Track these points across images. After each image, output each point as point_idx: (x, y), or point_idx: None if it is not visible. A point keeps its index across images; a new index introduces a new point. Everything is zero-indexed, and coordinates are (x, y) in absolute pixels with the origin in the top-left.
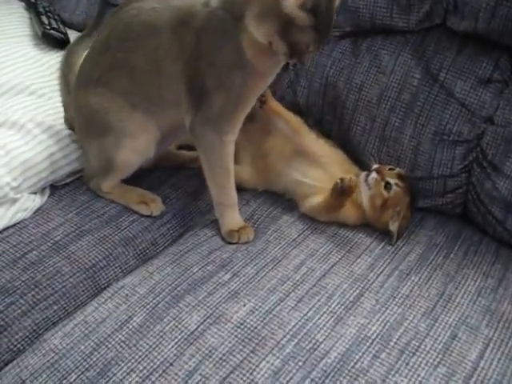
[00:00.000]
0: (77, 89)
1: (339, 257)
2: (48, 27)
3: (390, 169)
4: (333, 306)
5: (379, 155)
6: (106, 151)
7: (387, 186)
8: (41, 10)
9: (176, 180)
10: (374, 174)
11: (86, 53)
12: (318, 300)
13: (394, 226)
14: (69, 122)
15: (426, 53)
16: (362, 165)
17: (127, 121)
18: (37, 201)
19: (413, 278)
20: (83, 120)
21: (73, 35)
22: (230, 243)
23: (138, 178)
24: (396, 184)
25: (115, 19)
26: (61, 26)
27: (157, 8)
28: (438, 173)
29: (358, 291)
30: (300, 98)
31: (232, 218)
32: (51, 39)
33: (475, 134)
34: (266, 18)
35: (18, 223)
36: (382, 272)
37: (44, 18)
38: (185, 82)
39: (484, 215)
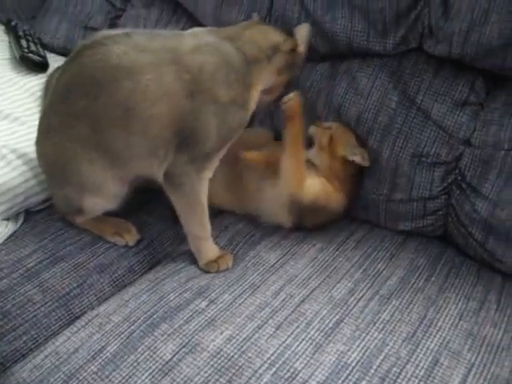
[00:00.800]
0: (38, 135)
1: (318, 282)
2: (26, 50)
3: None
4: (312, 332)
5: None
6: (70, 199)
7: (326, 128)
8: (20, 33)
9: (153, 205)
10: (311, 129)
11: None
12: (297, 327)
13: (355, 153)
14: None
15: (403, 76)
16: None
17: (87, 175)
18: (10, 227)
19: (394, 303)
20: (44, 167)
21: (53, 58)
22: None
23: None
24: (329, 127)
25: (76, 65)
26: (40, 49)
27: (129, 52)
28: (417, 195)
29: (337, 317)
30: (279, 121)
31: (209, 249)
32: (30, 62)
33: (453, 156)
34: (279, 68)
35: None
36: (362, 297)
37: (23, 42)
38: (169, 123)
39: (465, 237)
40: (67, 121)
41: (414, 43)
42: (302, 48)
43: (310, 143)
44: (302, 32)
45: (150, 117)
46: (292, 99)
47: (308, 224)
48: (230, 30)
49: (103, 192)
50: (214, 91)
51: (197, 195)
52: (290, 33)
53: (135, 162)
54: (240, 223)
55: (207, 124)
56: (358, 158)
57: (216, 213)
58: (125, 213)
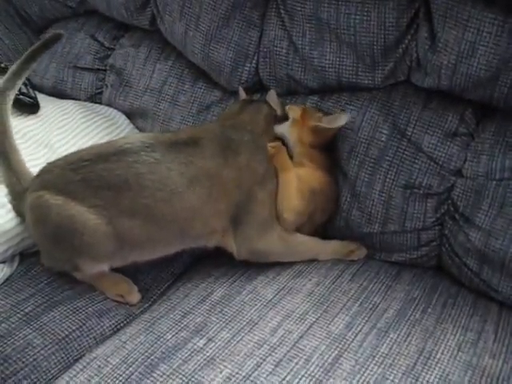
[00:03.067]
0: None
1: (316, 317)
2: (17, 92)
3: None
4: (311, 368)
5: (351, 210)
6: (70, 258)
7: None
8: None
9: None
10: (287, 107)
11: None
12: (296, 363)
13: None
14: (17, 208)
15: (393, 108)
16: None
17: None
18: (5, 270)
19: (391, 336)
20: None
21: (43, 99)
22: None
23: None
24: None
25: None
26: (30, 91)
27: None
28: (410, 226)
29: (336, 352)
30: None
31: (331, 247)
32: (20, 104)
33: (445, 187)
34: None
35: None
36: (360, 331)
37: None
38: (227, 213)
39: (459, 267)
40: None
41: (402, 76)
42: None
43: (285, 118)
44: (273, 97)
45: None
46: (275, 147)
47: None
48: (229, 119)
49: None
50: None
51: (286, 246)
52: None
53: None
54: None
55: (257, 202)
56: (325, 121)
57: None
58: None
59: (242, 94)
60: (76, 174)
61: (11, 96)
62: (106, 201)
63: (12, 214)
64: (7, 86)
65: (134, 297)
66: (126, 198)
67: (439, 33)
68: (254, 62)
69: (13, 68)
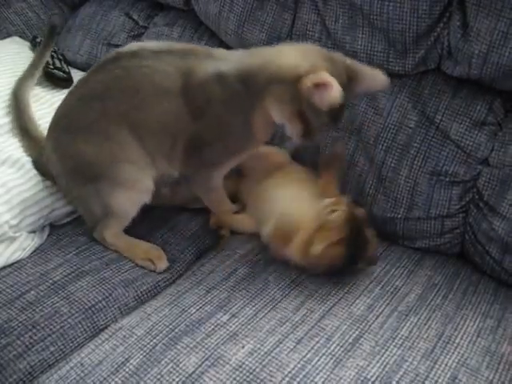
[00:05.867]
0: (58, 136)
1: (338, 298)
2: (51, 67)
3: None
4: (332, 347)
5: (376, 195)
6: (101, 197)
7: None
8: None
9: (175, 222)
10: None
11: (61, 97)
12: (317, 341)
13: (319, 246)
14: (39, 165)
15: (422, 96)
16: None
17: (122, 171)
18: (36, 240)
19: (412, 319)
20: (71, 168)
21: (76, 74)
22: None
23: (137, 222)
24: (343, 211)
25: (119, 69)
26: (64, 65)
27: (168, 70)
28: (435, 213)
29: (357, 332)
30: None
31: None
32: (54, 78)
33: (471, 175)
34: (287, 101)
35: (15, 263)
36: (381, 313)
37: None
38: (186, 138)
39: (482, 255)
40: (104, 121)
41: (433, 64)
42: (308, 82)
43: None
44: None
45: (175, 132)
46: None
47: None
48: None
49: (135, 188)
50: (221, 122)
51: (209, 186)
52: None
53: (163, 163)
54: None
55: (211, 143)
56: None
57: None
58: (148, 230)
59: None
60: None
61: (31, 85)
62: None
63: (41, 186)
64: (26, 75)
65: (163, 263)
66: (112, 106)
67: (472, 22)
68: None
69: (31, 61)
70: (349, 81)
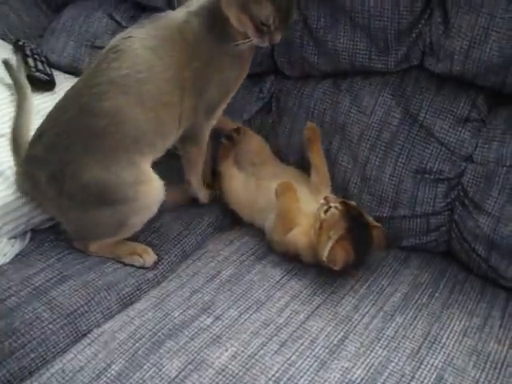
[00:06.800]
0: (49, 154)
1: (323, 298)
2: (34, 69)
3: (343, 201)
4: (316, 349)
5: (361, 194)
6: (118, 218)
7: (328, 209)
8: (28, 52)
9: (158, 225)
10: (321, 200)
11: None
12: (302, 343)
13: (323, 252)
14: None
15: (405, 93)
16: None
17: (143, 193)
18: (16, 246)
19: (398, 319)
20: (78, 192)
21: (59, 77)
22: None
23: None
24: (335, 207)
25: (112, 55)
26: (47, 68)
27: (153, 33)
28: (420, 211)
29: (342, 334)
30: (281, 139)
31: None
32: (37, 81)
33: (456, 173)
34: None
35: None
36: (366, 313)
37: (30, 61)
38: (191, 84)
39: (468, 253)
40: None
41: (415, 61)
42: None
43: None
44: None
45: (175, 86)
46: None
47: None
48: None
49: (151, 200)
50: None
51: (204, 139)
52: None
53: (172, 131)
54: (246, 237)
55: (209, 82)
56: (325, 254)
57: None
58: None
59: None
60: None
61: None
62: None
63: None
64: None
65: (151, 256)
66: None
67: (453, 18)
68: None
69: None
70: None
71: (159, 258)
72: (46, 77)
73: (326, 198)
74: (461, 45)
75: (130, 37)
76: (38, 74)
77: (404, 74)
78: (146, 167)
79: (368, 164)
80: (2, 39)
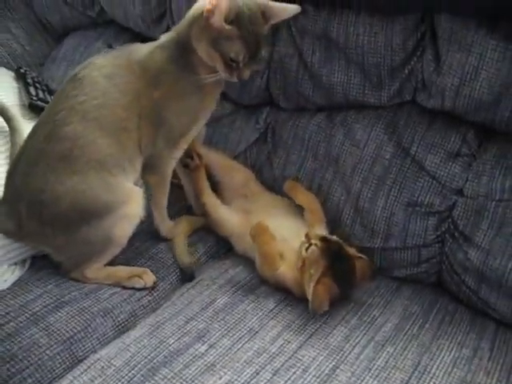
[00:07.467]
0: (44, 177)
1: (315, 328)
2: (35, 98)
3: (323, 237)
4: (308, 378)
5: (354, 226)
6: (102, 231)
7: (309, 247)
8: (29, 80)
9: (155, 251)
10: (301, 239)
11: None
12: (294, 372)
13: (308, 290)
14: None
15: (398, 127)
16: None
17: (118, 194)
18: (16, 272)
19: (388, 349)
20: (56, 215)
21: None
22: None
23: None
24: (315, 244)
25: (71, 83)
26: (47, 96)
27: (115, 62)
28: (412, 243)
29: (333, 363)
30: (276, 170)
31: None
32: (38, 110)
33: (446, 206)
34: (202, 35)
35: None
36: (357, 343)
37: (32, 89)
38: (150, 112)
39: (458, 284)
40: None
41: (407, 96)
42: (206, 9)
43: None
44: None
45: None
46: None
47: None
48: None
49: (134, 203)
50: (171, 85)
51: (168, 171)
52: None
53: (137, 157)
54: (240, 266)
55: (170, 111)
56: (309, 292)
57: (220, 255)
58: (128, 259)
59: None
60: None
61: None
62: None
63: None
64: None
65: (150, 276)
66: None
67: (444, 56)
68: (264, 77)
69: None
70: (263, 15)
71: (154, 285)
72: (46, 105)
73: (306, 235)
74: (452, 82)
75: (89, 64)
76: (39, 102)
77: (397, 108)
78: (120, 184)
79: (361, 196)
80: (5, 67)
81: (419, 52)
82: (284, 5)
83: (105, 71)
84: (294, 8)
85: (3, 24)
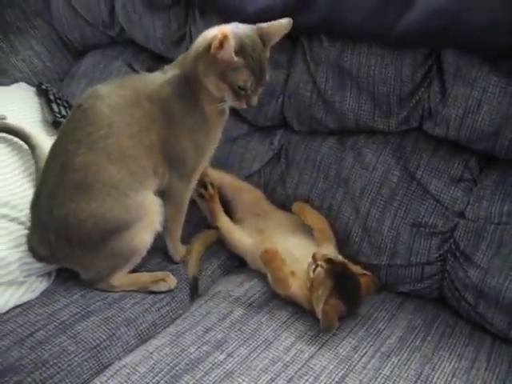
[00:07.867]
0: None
1: (326, 339)
2: (58, 115)
3: (328, 258)
4: None
5: (362, 244)
6: (125, 244)
7: (315, 268)
8: (51, 97)
9: (175, 266)
10: (310, 259)
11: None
12: (307, 380)
13: (317, 310)
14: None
15: (405, 152)
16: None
17: (133, 209)
18: (44, 283)
19: (393, 360)
20: (89, 233)
21: None
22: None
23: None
24: (321, 266)
25: (80, 113)
26: (69, 113)
27: (125, 93)
28: (416, 260)
29: (342, 372)
30: (288, 189)
31: (181, 247)
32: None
33: (449, 227)
34: (210, 69)
35: (24, 303)
36: (365, 353)
37: (54, 106)
38: (161, 148)
39: (458, 300)
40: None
41: (414, 124)
42: (214, 43)
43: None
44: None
45: (148, 145)
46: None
47: None
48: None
49: (151, 213)
50: (179, 120)
51: (185, 202)
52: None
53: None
54: (254, 279)
55: (182, 146)
56: (318, 312)
57: (233, 268)
58: (146, 271)
59: None
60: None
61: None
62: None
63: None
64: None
65: (172, 279)
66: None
67: (449, 89)
68: (279, 100)
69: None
70: (261, 39)
71: (173, 296)
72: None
73: (313, 256)
74: (456, 113)
75: (94, 95)
76: (62, 119)
77: (404, 135)
78: (136, 202)
79: (369, 216)
80: (27, 82)
81: (426, 83)
82: (275, 22)
83: (108, 101)
84: (285, 22)
85: (26, 41)
